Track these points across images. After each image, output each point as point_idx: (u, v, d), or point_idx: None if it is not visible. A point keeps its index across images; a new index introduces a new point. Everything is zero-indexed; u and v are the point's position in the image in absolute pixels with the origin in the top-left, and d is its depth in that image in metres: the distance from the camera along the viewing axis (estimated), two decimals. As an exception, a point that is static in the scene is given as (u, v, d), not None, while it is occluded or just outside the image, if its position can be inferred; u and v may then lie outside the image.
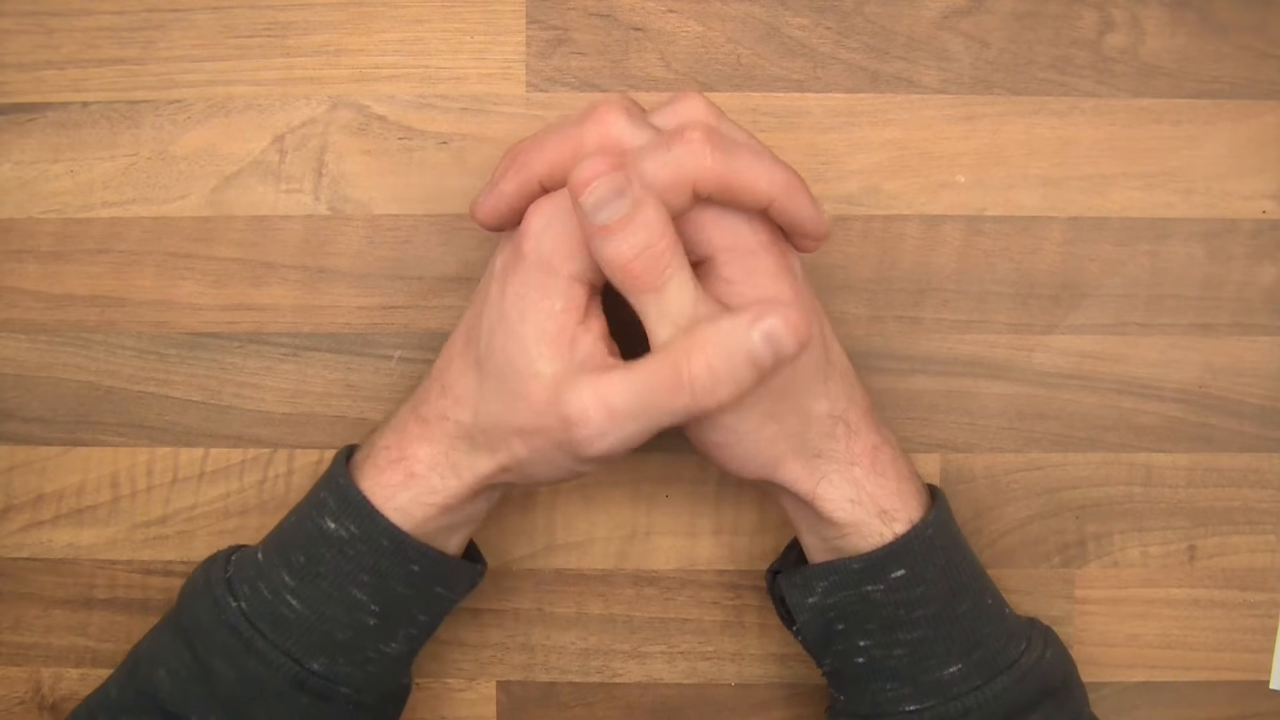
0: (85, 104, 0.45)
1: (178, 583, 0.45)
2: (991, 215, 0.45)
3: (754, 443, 0.37)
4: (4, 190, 0.45)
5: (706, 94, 0.44)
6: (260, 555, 0.39)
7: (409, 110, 0.45)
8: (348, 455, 0.40)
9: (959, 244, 0.45)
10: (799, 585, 0.40)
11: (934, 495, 0.40)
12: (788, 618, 0.42)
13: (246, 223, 0.45)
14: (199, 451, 0.45)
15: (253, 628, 0.37)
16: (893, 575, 0.38)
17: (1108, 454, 0.45)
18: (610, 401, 0.34)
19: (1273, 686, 0.46)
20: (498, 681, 0.46)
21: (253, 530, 0.45)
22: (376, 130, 0.45)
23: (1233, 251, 0.45)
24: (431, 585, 0.39)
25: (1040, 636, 0.40)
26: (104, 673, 0.41)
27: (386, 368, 0.45)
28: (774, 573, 0.43)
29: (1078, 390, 0.45)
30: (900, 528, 0.38)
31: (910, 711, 0.38)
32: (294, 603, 0.38)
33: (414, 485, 0.38)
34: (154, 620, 0.43)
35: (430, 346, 0.45)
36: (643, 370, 0.34)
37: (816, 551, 0.40)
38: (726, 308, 0.36)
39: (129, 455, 0.45)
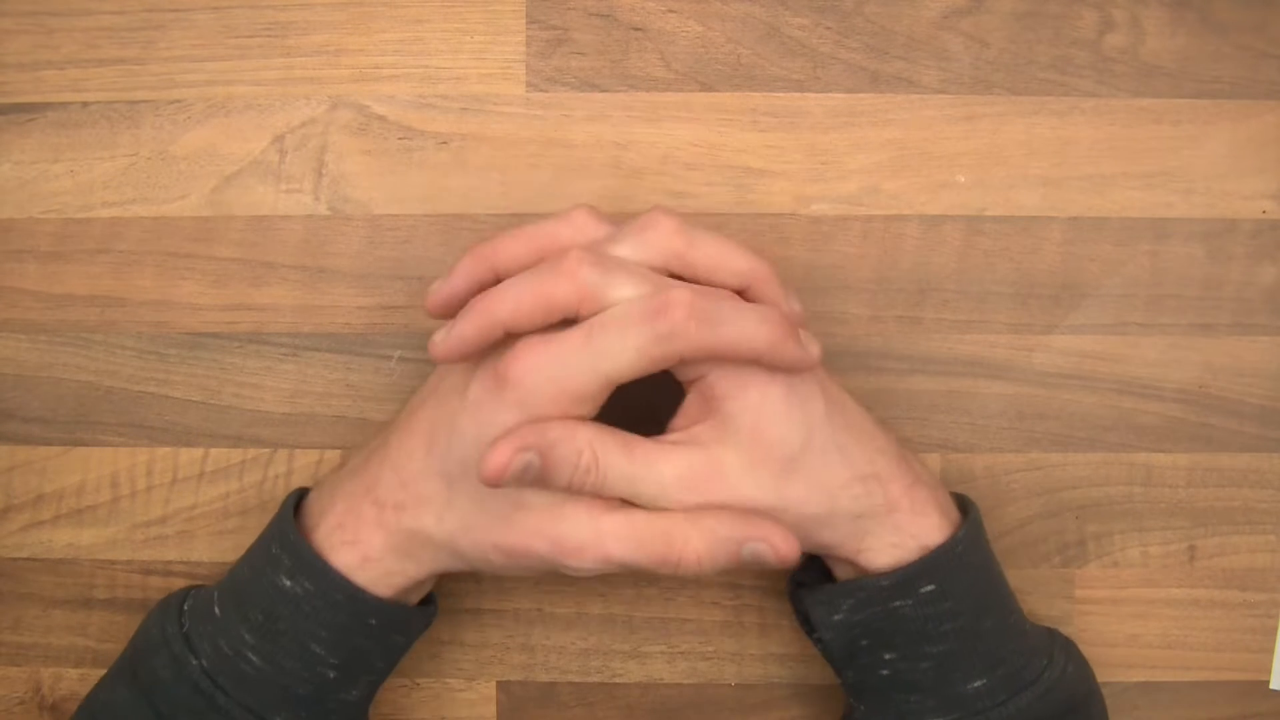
0: (85, 104, 0.45)
1: (178, 583, 0.45)
2: (991, 215, 0.45)
3: (788, 523, 0.38)
4: (4, 190, 0.45)
5: (707, 93, 0.45)
6: (217, 609, 0.39)
7: (409, 110, 0.45)
8: (295, 501, 0.40)
9: (959, 244, 0.45)
10: (824, 603, 0.40)
11: (966, 509, 0.40)
12: (807, 625, 0.42)
13: (246, 223, 0.45)
14: (199, 451, 0.45)
15: (214, 685, 0.37)
16: (922, 590, 0.38)
17: (1108, 454, 0.45)
18: (606, 543, 0.36)
19: (1273, 686, 0.46)
20: (498, 681, 0.46)
21: (252, 530, 0.45)
22: (376, 130, 0.45)
23: (1233, 251, 0.45)
24: (389, 635, 0.39)
25: (1062, 651, 0.40)
26: (104, 673, 0.41)
27: (386, 368, 0.45)
28: (796, 584, 0.42)
29: (1078, 390, 0.45)
30: (931, 546, 0.38)
31: None
32: (254, 659, 0.38)
33: (370, 569, 0.38)
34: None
35: (430, 346, 0.45)
36: (642, 527, 0.36)
37: (842, 570, 0.40)
38: (684, 441, 0.37)
39: (129, 455, 0.45)
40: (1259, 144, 0.45)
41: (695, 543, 0.36)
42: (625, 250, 0.37)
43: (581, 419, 0.36)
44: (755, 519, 0.36)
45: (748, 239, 0.45)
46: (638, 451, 0.36)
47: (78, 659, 0.46)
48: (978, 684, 0.38)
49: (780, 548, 0.36)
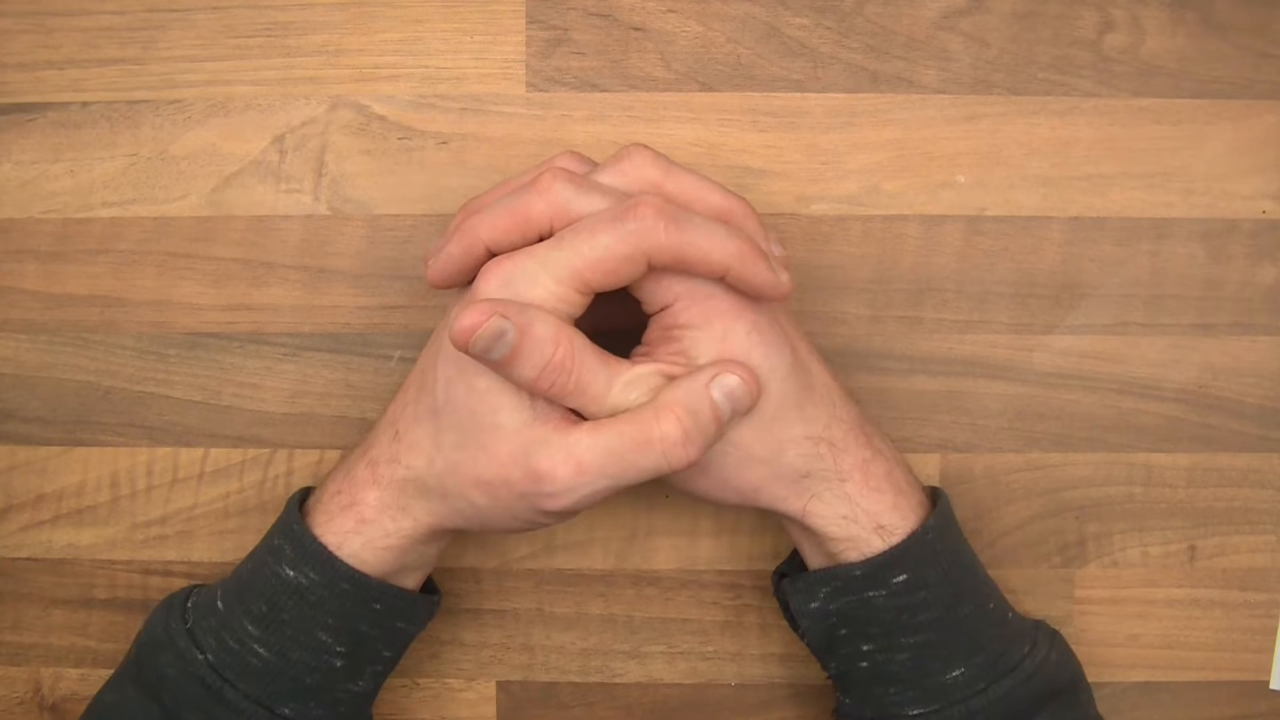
0: (85, 104, 0.45)
1: (178, 583, 0.45)
2: (991, 215, 0.45)
3: (721, 473, 0.38)
4: (4, 190, 0.45)
5: (707, 93, 0.44)
6: (220, 604, 0.39)
7: (409, 110, 0.45)
8: (301, 499, 0.40)
9: (959, 244, 0.45)
10: (802, 591, 0.40)
11: (935, 499, 0.40)
12: (793, 620, 0.42)
13: (246, 223, 0.45)
14: (199, 451, 0.45)
15: (221, 678, 0.37)
16: (894, 580, 0.38)
17: (1108, 454, 0.45)
18: (581, 458, 0.35)
19: (1273, 686, 0.46)
20: (498, 681, 0.46)
21: (253, 530, 0.45)
22: (376, 130, 0.45)
23: (1233, 251, 0.45)
24: (394, 621, 0.39)
25: (1045, 639, 0.40)
26: (104, 673, 0.41)
27: (386, 368, 0.45)
28: (780, 575, 0.43)
29: (1078, 390, 0.45)
30: (898, 539, 0.38)
31: (915, 715, 0.38)
32: (260, 650, 0.38)
33: (366, 530, 0.38)
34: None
35: (430, 346, 0.45)
36: (612, 429, 0.35)
37: (816, 561, 0.40)
38: (665, 367, 0.36)
39: (129, 455, 0.45)
40: (1259, 144, 0.45)
41: (667, 415, 0.35)
42: (603, 179, 0.37)
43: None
44: (718, 362, 0.36)
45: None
46: (612, 366, 0.36)
47: (78, 659, 0.46)
48: (956, 673, 0.38)
49: (747, 376, 0.36)
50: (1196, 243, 0.45)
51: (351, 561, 0.38)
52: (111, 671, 0.41)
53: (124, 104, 0.45)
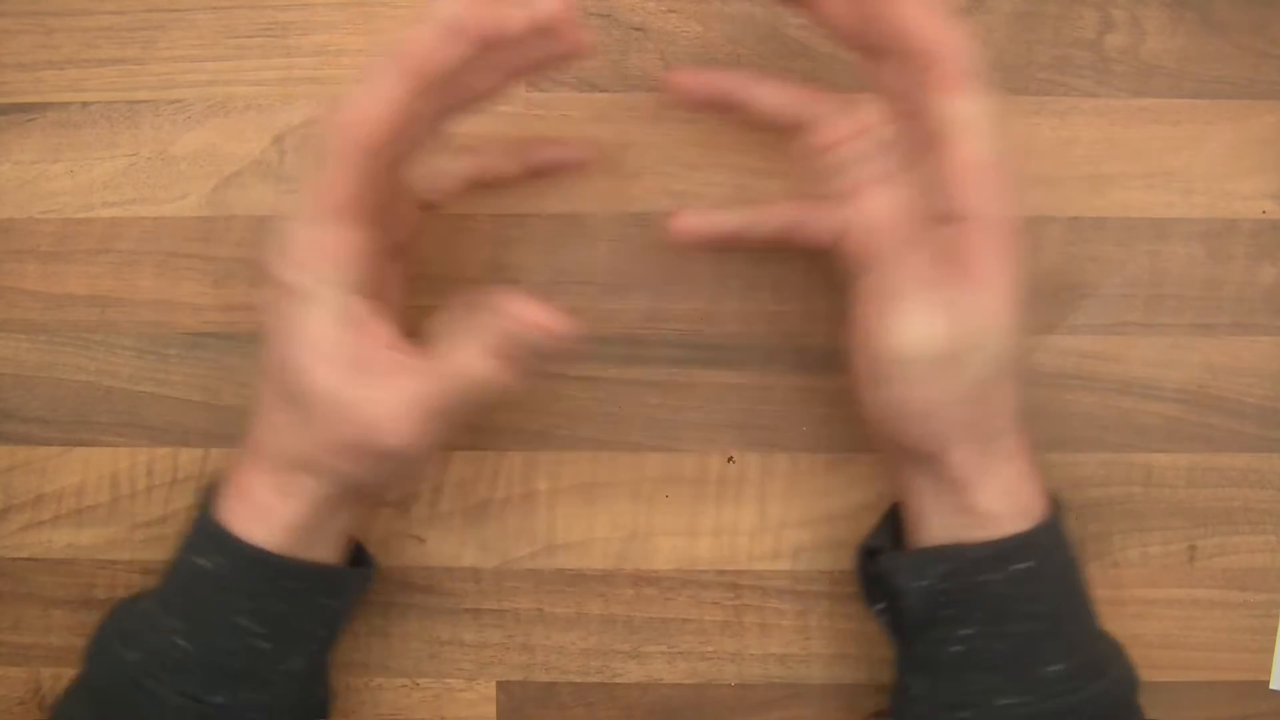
0: (85, 104, 0.45)
1: (178, 583, 0.45)
2: (991, 215, 0.45)
3: (944, 418, 0.37)
4: (4, 190, 0.45)
5: (706, 94, 0.44)
6: (146, 603, 0.39)
7: (409, 110, 0.45)
8: (211, 490, 0.40)
9: (959, 244, 0.45)
10: (910, 568, 0.39)
11: (1054, 502, 0.40)
12: (872, 596, 0.42)
13: (246, 223, 0.45)
14: (199, 451, 0.45)
15: (149, 675, 0.37)
16: (1016, 566, 0.38)
17: (1108, 454, 0.45)
18: (398, 401, 0.36)
19: (1273, 686, 0.46)
20: (498, 681, 0.46)
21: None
22: (376, 130, 0.45)
23: (1233, 251, 0.45)
24: (315, 598, 0.39)
25: (1117, 649, 0.40)
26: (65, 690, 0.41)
27: (386, 368, 0.45)
28: (869, 551, 0.42)
29: (1078, 390, 0.45)
30: (1027, 524, 0.38)
31: (1002, 705, 0.38)
32: (182, 643, 0.38)
33: (259, 513, 0.38)
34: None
35: (430, 346, 0.45)
36: (419, 367, 0.37)
37: (933, 533, 0.39)
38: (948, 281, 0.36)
39: (129, 455, 0.45)
40: (1259, 144, 0.45)
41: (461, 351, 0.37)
42: None
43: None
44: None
45: (748, 239, 0.45)
46: (923, 264, 0.36)
47: (78, 659, 0.46)
48: (1056, 667, 0.37)
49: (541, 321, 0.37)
50: (1196, 243, 0.45)
51: (258, 542, 0.38)
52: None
53: (124, 104, 0.45)
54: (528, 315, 0.37)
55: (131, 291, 0.45)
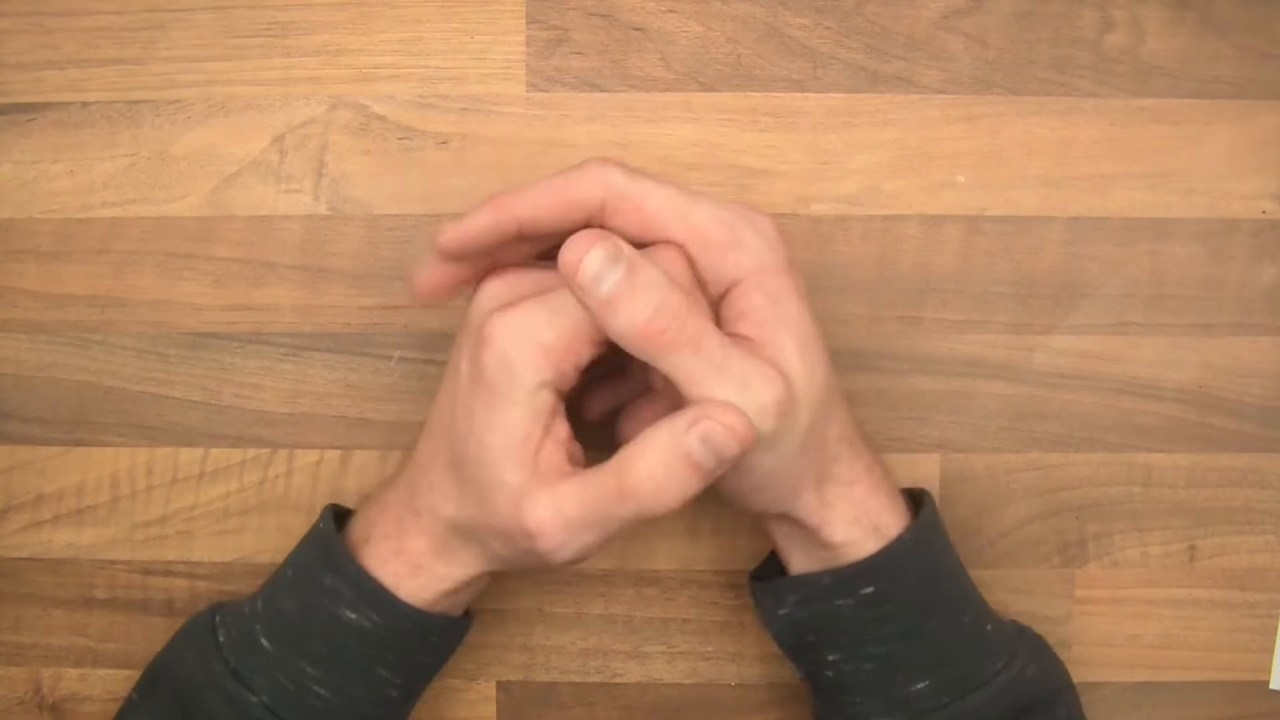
0: (85, 104, 0.45)
1: (177, 583, 0.45)
2: (991, 215, 0.45)
3: (783, 480, 0.37)
4: (4, 190, 0.45)
5: (707, 93, 0.44)
6: (266, 642, 0.38)
7: (409, 110, 0.45)
8: (335, 525, 0.39)
9: (959, 244, 0.45)
10: (771, 596, 0.40)
11: (920, 504, 0.40)
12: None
13: (246, 223, 0.45)
14: (199, 451, 0.45)
15: (276, 717, 0.37)
16: (862, 591, 0.38)
17: (1108, 454, 0.45)
18: (565, 513, 0.34)
19: (1273, 686, 0.46)
20: (498, 681, 0.46)
21: (252, 530, 0.45)
22: (376, 130, 0.45)
23: (1233, 251, 0.45)
24: (447, 649, 0.40)
25: (1027, 651, 0.40)
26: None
27: (386, 368, 0.45)
28: (754, 578, 0.42)
29: (1078, 390, 0.45)
30: (877, 545, 0.38)
31: None
32: (320, 690, 0.37)
33: (420, 575, 0.38)
34: (154, 621, 0.44)
35: (430, 346, 0.45)
36: (592, 480, 0.34)
37: (799, 563, 0.40)
38: (750, 341, 0.35)
39: (129, 455, 0.45)
40: (1259, 144, 0.45)
41: (638, 463, 0.33)
42: None
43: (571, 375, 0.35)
44: (695, 406, 0.33)
45: (748, 239, 0.45)
46: (726, 338, 0.34)
47: (78, 659, 0.46)
48: (920, 685, 0.38)
49: (730, 420, 0.32)
50: (1196, 243, 0.45)
51: (411, 601, 0.37)
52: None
53: (124, 104, 0.45)
54: (730, 420, 0.33)
55: (131, 291, 0.45)
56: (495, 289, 0.36)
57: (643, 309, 0.33)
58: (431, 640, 0.39)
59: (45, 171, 0.45)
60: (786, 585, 0.40)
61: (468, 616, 0.41)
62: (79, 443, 0.45)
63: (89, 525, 0.45)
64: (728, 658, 0.46)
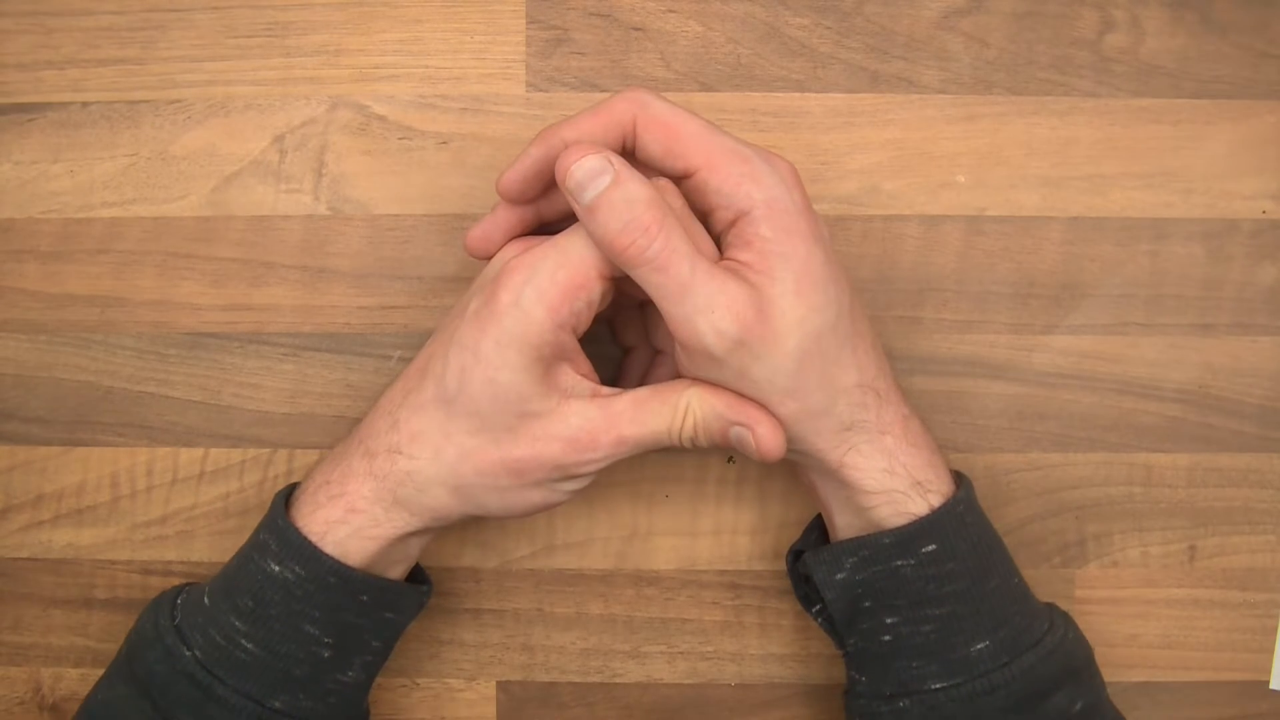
0: (85, 104, 0.45)
1: (178, 583, 0.45)
2: (991, 215, 0.45)
3: (782, 405, 0.37)
4: (4, 190, 0.45)
5: (707, 93, 0.44)
6: (207, 600, 0.39)
7: (409, 110, 0.45)
8: (287, 495, 0.40)
9: (959, 244, 0.45)
10: (827, 561, 0.40)
11: (959, 477, 0.40)
12: (807, 599, 0.42)
13: (246, 223, 0.45)
14: (199, 451, 0.45)
15: (210, 674, 0.37)
16: (924, 550, 0.38)
17: (1108, 454, 0.45)
18: (620, 425, 0.37)
19: (1273, 686, 0.46)
20: (498, 681, 0.46)
21: (252, 530, 0.45)
22: (376, 130, 0.45)
23: (1233, 251, 0.45)
24: (381, 611, 0.40)
25: (1061, 619, 0.40)
26: (103, 672, 0.41)
27: (386, 368, 0.45)
28: (796, 553, 0.42)
29: (1078, 390, 0.45)
30: (935, 500, 0.38)
31: (936, 689, 0.38)
32: (248, 645, 0.38)
33: (354, 520, 0.38)
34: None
35: (430, 346, 0.45)
36: (647, 398, 0.37)
37: (846, 529, 0.40)
38: (736, 271, 0.36)
39: (129, 455, 0.45)
40: (1259, 144, 0.45)
41: (689, 419, 0.37)
42: None
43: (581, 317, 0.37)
44: (752, 408, 0.37)
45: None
46: (700, 261, 0.36)
47: (78, 659, 0.46)
48: (980, 646, 0.38)
49: (765, 440, 0.37)
50: (1196, 243, 0.45)
51: (335, 552, 0.38)
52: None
53: (124, 104, 0.45)
54: (766, 438, 0.37)
55: (131, 291, 0.45)
56: (513, 247, 0.39)
57: (616, 220, 0.35)
58: (359, 599, 0.38)
59: (45, 171, 0.45)
60: (844, 548, 0.39)
61: (413, 587, 0.41)
62: (79, 443, 0.45)
63: (89, 525, 0.45)
64: (728, 658, 0.46)
